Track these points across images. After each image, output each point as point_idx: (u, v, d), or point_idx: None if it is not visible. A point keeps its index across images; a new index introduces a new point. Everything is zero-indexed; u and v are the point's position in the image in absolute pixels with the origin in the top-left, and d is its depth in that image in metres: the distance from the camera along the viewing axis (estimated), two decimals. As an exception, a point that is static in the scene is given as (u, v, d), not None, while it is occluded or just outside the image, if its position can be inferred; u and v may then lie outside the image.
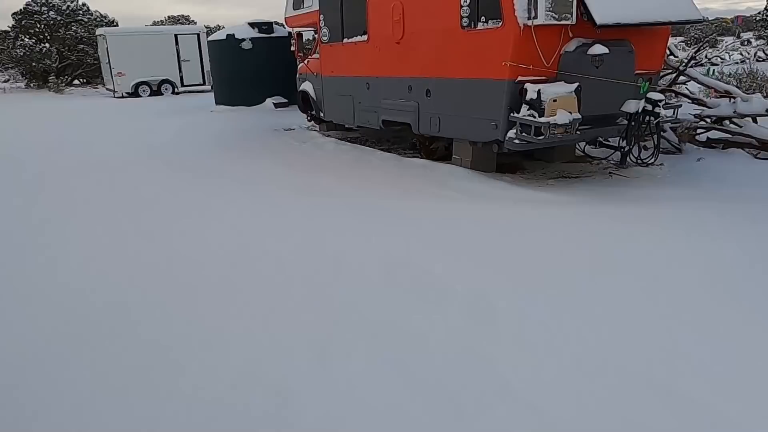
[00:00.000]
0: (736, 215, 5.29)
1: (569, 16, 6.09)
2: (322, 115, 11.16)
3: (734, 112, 7.92)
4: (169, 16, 43.28)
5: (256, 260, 4.52)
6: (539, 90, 6.08)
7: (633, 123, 6.62)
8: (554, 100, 6.10)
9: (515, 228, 5.05)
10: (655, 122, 6.58)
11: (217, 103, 17.72)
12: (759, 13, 17.50)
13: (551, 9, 5.98)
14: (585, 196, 6.38)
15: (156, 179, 7.82)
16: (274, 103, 16.70)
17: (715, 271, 3.99)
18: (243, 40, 16.40)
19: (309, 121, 12.46)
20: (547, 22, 5.99)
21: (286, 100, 16.61)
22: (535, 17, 5.99)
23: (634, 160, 6.90)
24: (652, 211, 5.48)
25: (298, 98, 12.29)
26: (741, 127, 8.03)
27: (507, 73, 6.33)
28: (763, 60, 33.57)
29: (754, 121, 8.10)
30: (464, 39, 6.84)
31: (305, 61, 11.55)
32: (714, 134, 8.60)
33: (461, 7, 6.77)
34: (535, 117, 6.13)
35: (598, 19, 6.05)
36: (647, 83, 6.48)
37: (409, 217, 5.49)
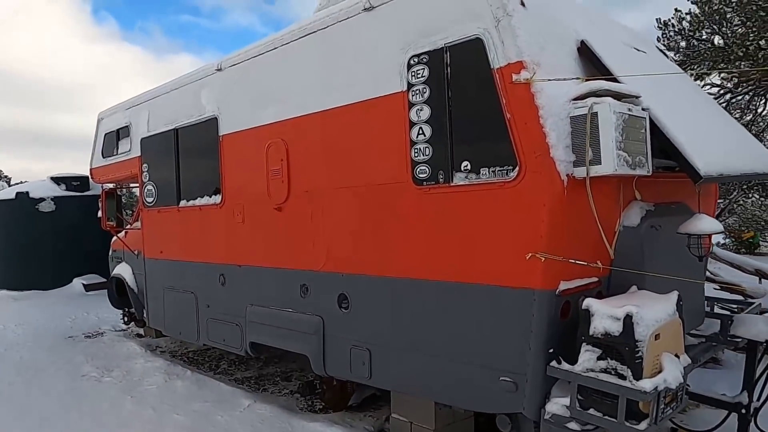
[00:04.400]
0: None
1: (643, 160, 3.00)
2: (145, 317, 6.88)
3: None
4: (-27, 172, 36.08)
5: None
6: (629, 315, 2.68)
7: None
8: (657, 336, 2.74)
9: None
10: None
11: (-4, 287, 12.38)
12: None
13: (623, 146, 2.85)
14: None
15: None
16: (84, 285, 11.90)
17: None
18: (41, 200, 11.88)
19: (126, 323, 8.00)
20: (619, 172, 2.82)
21: (104, 280, 11.89)
22: (597, 161, 2.80)
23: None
24: None
25: (109, 287, 7.91)
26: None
27: (538, 277, 2.92)
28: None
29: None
30: (424, 204, 3.43)
31: (120, 233, 7.45)
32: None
33: (412, 143, 3.45)
34: (625, 376, 2.67)
35: (703, 168, 3.02)
36: None
37: None
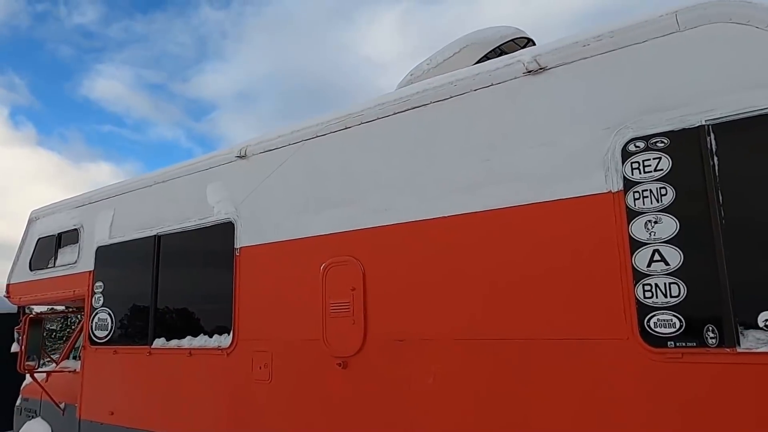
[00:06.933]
0: None
1: None
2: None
3: None
4: None
5: None
6: None
7: None
8: None
9: None
10: None
11: None
12: None
13: None
14: None
15: None
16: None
17: None
18: None
19: None
20: None
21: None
22: None
23: None
24: None
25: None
26: None
27: None
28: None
29: None
30: (669, 378, 2.01)
31: (39, 376, 5.32)
32: None
33: (639, 274, 2.10)
34: None
35: None
36: None
37: None
